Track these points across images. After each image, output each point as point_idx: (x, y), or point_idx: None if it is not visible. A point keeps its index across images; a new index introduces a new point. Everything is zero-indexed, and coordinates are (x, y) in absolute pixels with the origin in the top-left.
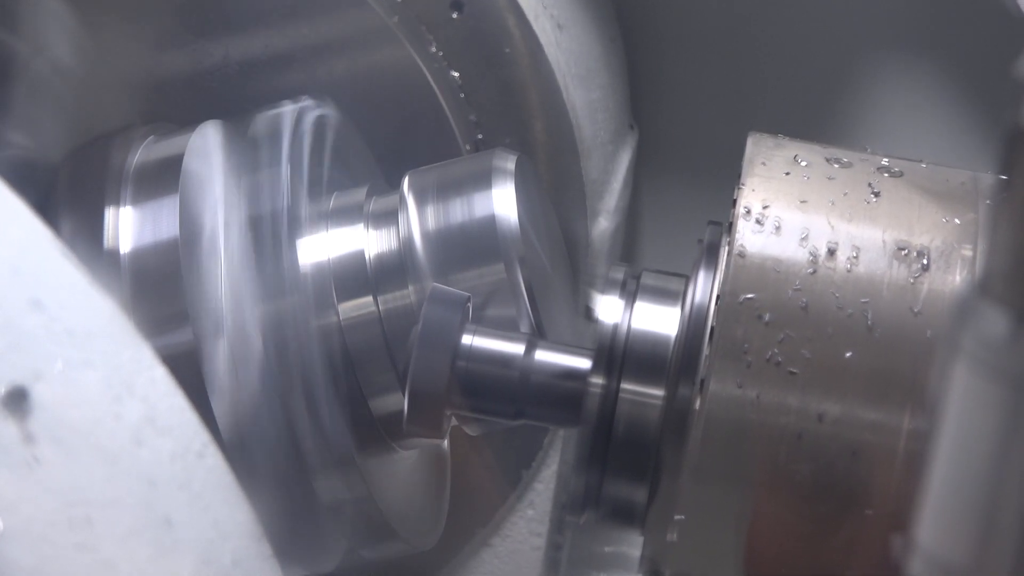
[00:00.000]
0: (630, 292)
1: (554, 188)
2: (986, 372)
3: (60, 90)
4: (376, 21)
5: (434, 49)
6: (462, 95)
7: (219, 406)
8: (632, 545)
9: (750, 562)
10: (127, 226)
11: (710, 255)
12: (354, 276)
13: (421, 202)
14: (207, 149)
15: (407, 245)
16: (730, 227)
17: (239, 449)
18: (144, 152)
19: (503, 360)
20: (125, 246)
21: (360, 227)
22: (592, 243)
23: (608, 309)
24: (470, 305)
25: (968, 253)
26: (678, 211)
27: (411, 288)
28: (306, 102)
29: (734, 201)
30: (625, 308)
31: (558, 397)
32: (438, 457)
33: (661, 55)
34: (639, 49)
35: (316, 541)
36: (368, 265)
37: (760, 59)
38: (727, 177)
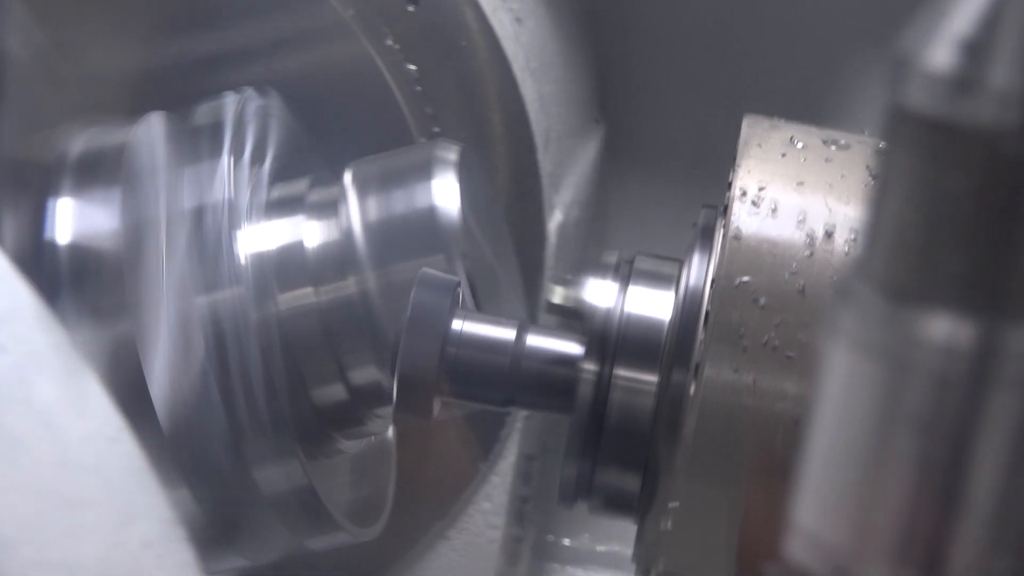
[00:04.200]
0: (623, 276)
1: (512, 181)
2: (865, 351)
3: (9, 83)
4: (332, 14)
5: (390, 42)
6: (419, 88)
7: (159, 396)
8: (596, 540)
9: (745, 549)
10: (67, 217)
11: (705, 238)
12: (294, 267)
13: (362, 193)
14: (150, 140)
15: (347, 236)
16: (725, 209)
17: (179, 439)
18: (86, 143)
19: (493, 346)
20: (65, 237)
21: (301, 218)
22: (549, 236)
23: (601, 293)
24: (460, 290)
25: None
26: (652, 207)
27: (351, 279)
28: (248, 93)
29: (729, 183)
30: (618, 292)
31: (550, 384)
32: (384, 446)
33: (638, 53)
34: (614, 46)
35: (257, 531)
36: (308, 256)
37: (740, 58)
38: (705, 175)
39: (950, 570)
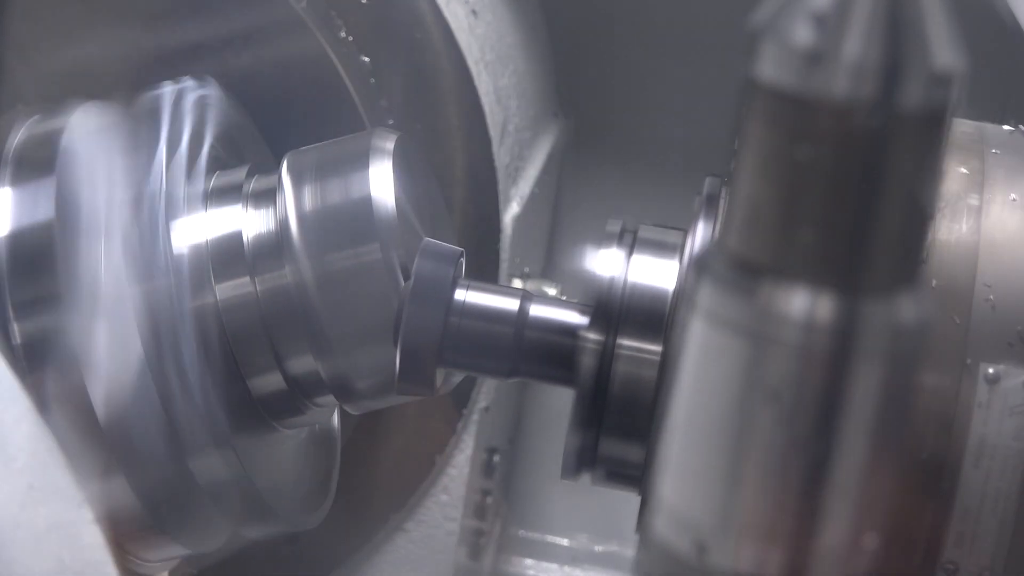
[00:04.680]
0: (627, 245)
1: (467, 173)
2: (722, 327)
3: None
4: (284, 6)
5: (344, 34)
6: (373, 80)
7: (95, 387)
8: (595, 540)
9: None
10: (5, 207)
11: (709, 206)
12: (231, 257)
13: (298, 182)
14: (87, 129)
15: (283, 225)
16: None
17: (115, 429)
18: (25, 132)
19: (497, 316)
20: (3, 228)
21: (239, 207)
22: (505, 228)
23: (605, 262)
24: (463, 260)
25: (975, 202)
26: (619, 201)
27: (287, 269)
28: (186, 82)
29: (735, 151)
30: (622, 262)
31: (553, 354)
32: (326, 435)
33: (604, 46)
34: (579, 40)
35: (195, 520)
36: (246, 245)
37: (710, 51)
38: (674, 168)
39: (816, 548)
